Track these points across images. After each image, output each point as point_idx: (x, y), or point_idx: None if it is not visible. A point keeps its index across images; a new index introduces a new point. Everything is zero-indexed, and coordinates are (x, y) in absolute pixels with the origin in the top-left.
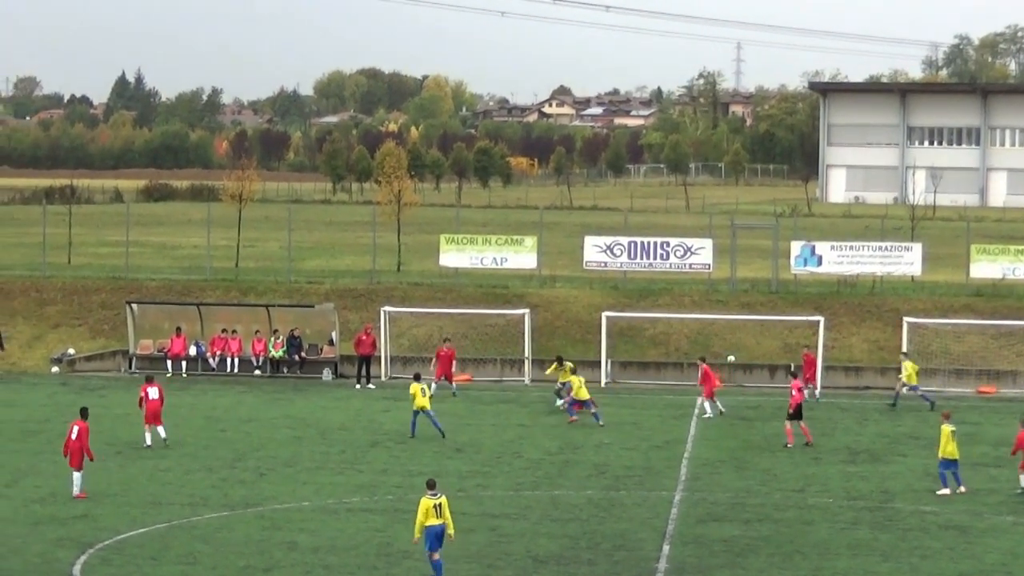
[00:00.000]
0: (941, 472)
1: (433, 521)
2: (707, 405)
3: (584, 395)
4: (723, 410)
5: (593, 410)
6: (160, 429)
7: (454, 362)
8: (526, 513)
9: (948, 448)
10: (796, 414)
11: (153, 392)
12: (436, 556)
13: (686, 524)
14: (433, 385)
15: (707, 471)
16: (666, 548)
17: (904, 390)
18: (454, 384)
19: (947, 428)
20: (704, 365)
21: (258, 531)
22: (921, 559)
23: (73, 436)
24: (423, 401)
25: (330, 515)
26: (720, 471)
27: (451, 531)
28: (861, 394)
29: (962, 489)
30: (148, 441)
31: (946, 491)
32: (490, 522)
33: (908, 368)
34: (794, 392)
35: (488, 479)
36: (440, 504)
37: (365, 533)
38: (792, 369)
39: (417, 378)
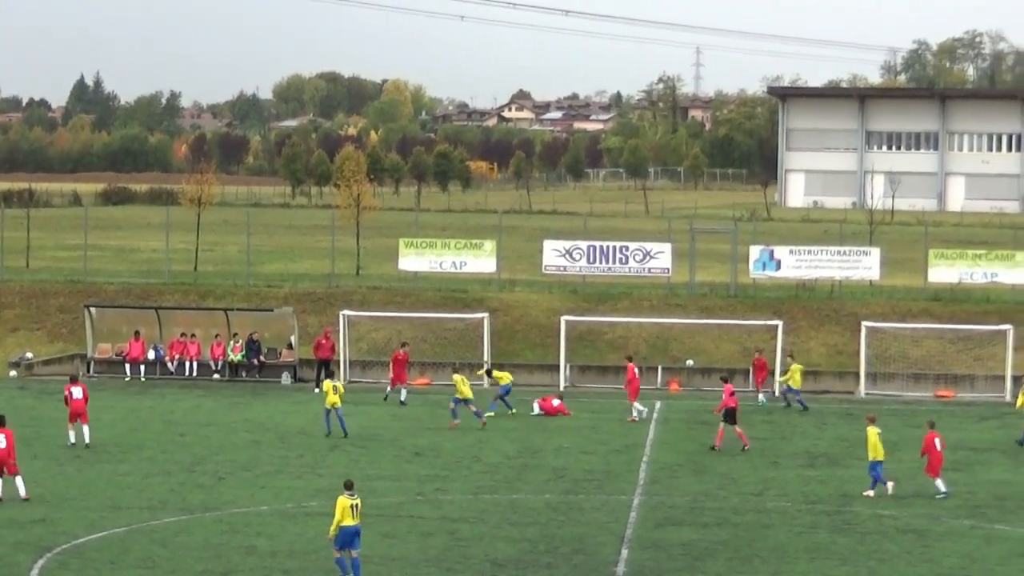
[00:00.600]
0: (873, 474)
1: (349, 521)
2: (634, 407)
3: (467, 394)
4: (643, 412)
5: (474, 408)
6: (85, 428)
7: (406, 366)
8: (485, 517)
9: (878, 450)
10: (729, 418)
11: (77, 391)
12: (355, 554)
13: (645, 528)
14: (403, 391)
15: (665, 475)
16: (625, 552)
17: (786, 392)
18: (404, 389)
19: (873, 430)
20: (631, 365)
21: (216, 535)
22: (879, 563)
23: (2, 444)
24: (334, 398)
25: (289, 519)
26: (678, 475)
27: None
28: (819, 398)
29: (890, 485)
30: (72, 439)
31: (871, 493)
32: (449, 526)
33: (793, 370)
34: (725, 396)
35: (447, 483)
36: (357, 505)
37: (324, 538)
38: (723, 375)
39: (331, 376)
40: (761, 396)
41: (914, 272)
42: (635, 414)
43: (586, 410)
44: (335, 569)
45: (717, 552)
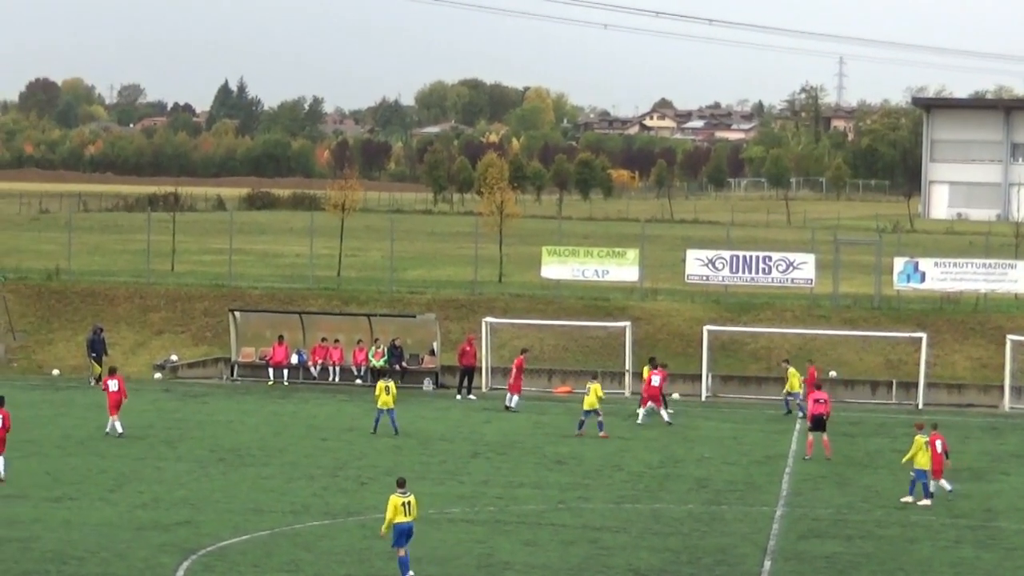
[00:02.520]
0: (923, 482)
1: (402, 519)
2: (641, 412)
3: (593, 403)
4: (668, 419)
5: (599, 418)
6: (117, 422)
7: (522, 372)
8: (627, 526)
9: (921, 459)
10: (818, 426)
11: (113, 384)
12: (402, 552)
13: (787, 540)
14: (516, 398)
15: (808, 487)
16: (767, 564)
17: (789, 397)
18: (515, 396)
19: (920, 439)
20: (657, 371)
21: (360, 540)
22: None
23: None
24: (387, 399)
25: (431, 525)
26: (821, 487)
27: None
28: (964, 411)
29: (926, 502)
30: (108, 429)
31: (909, 499)
32: (591, 535)
33: (792, 376)
34: (811, 404)
35: (589, 491)
36: (409, 503)
37: (466, 544)
38: (816, 381)
39: (383, 375)
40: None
41: None
42: (665, 416)
43: (728, 420)
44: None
45: (861, 565)
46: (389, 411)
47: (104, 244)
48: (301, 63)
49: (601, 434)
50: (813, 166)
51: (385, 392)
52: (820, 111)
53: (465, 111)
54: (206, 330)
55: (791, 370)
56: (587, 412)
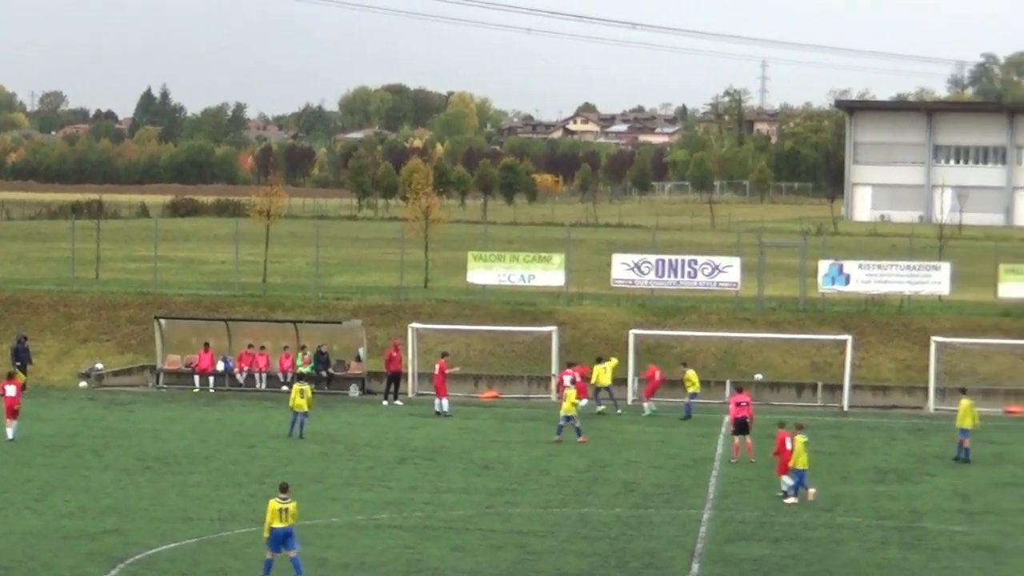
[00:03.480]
0: (796, 482)
1: (279, 524)
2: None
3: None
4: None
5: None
6: (9, 428)
7: (446, 376)
8: (555, 531)
9: (801, 459)
10: (741, 429)
11: (11, 389)
12: (292, 554)
13: (715, 543)
14: (445, 402)
15: (735, 489)
16: (695, 567)
17: (690, 400)
18: (440, 403)
19: (801, 439)
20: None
21: None
22: None
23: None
24: (300, 402)
25: (359, 531)
26: (748, 490)
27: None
28: (888, 413)
29: (812, 491)
30: (9, 435)
31: (794, 500)
32: (519, 539)
33: (692, 377)
34: (733, 407)
35: (517, 496)
36: (287, 509)
37: (394, 550)
38: (738, 384)
39: (301, 378)
40: (647, 405)
41: (984, 287)
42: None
43: (654, 424)
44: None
45: (788, 567)
46: (303, 415)
47: (27, 252)
48: (224, 69)
49: (580, 439)
50: (737, 169)
51: (300, 396)
52: (743, 114)
53: (389, 116)
54: (131, 338)
55: (690, 372)
56: (567, 418)
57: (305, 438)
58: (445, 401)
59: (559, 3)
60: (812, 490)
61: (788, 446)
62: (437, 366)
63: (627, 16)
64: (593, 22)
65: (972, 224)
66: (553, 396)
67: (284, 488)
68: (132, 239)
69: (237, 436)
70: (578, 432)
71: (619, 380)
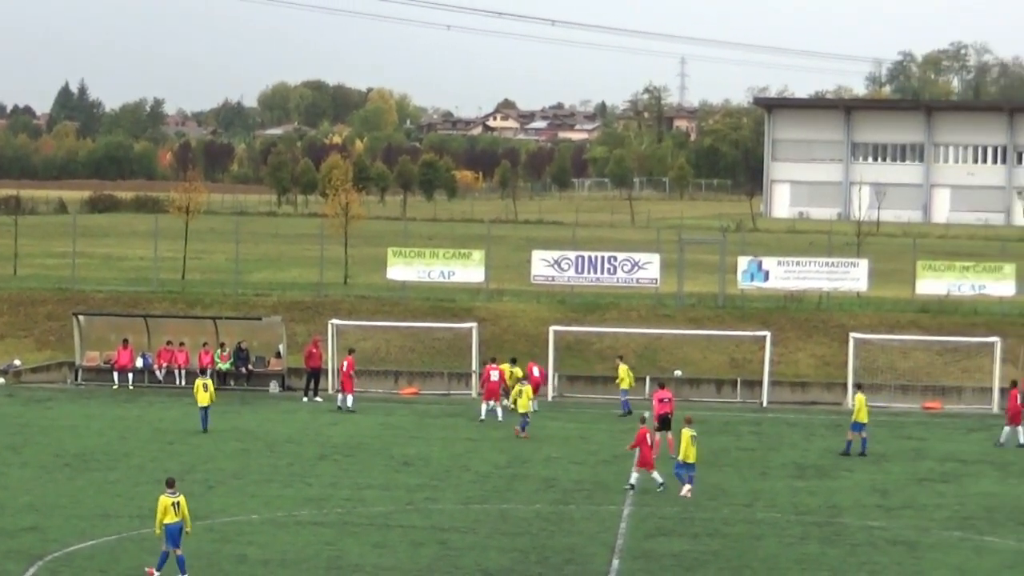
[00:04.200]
0: (677, 472)
1: (171, 519)
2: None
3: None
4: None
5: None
6: None
7: (352, 373)
8: (475, 527)
9: (689, 453)
10: (664, 424)
11: None
12: (178, 552)
13: (635, 538)
14: (350, 398)
15: (655, 485)
16: (615, 563)
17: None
18: (345, 398)
19: (688, 432)
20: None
21: (207, 544)
22: (869, 574)
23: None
24: (204, 397)
25: (279, 528)
26: (668, 485)
27: (188, 528)
28: (807, 409)
29: (687, 489)
30: None
31: (688, 489)
32: (439, 535)
33: (623, 372)
34: (656, 403)
35: (437, 492)
36: (178, 503)
37: (315, 546)
38: (659, 380)
39: (203, 373)
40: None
41: (902, 284)
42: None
43: (575, 420)
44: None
45: (708, 563)
46: (205, 408)
47: None
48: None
49: (523, 435)
50: (656, 166)
51: (203, 390)
52: (662, 111)
53: (308, 112)
54: (49, 334)
55: (623, 367)
56: (524, 415)
57: (209, 432)
58: (350, 397)
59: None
60: (688, 486)
61: (648, 441)
62: (345, 362)
63: (546, 13)
64: (512, 18)
65: (890, 221)
66: (475, 392)
67: (171, 483)
68: (50, 235)
69: (156, 433)
70: (522, 428)
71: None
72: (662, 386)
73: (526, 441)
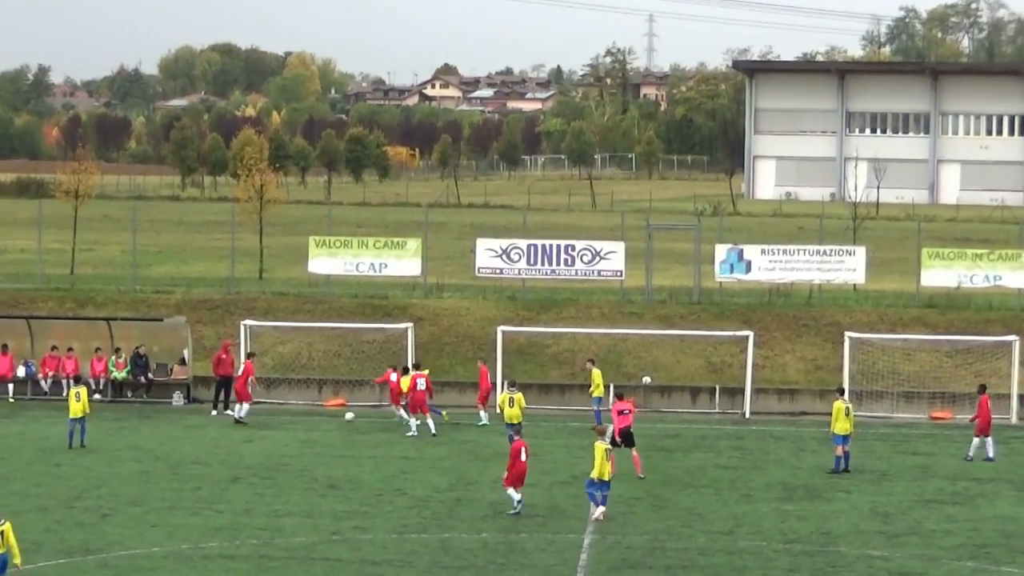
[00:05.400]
0: (590, 492)
1: None
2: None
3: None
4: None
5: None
6: None
7: (250, 380)
8: (412, 559)
9: (604, 470)
10: (628, 440)
11: None
12: None
13: (597, 572)
14: (245, 407)
15: (621, 510)
16: None
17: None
18: (240, 408)
19: (601, 446)
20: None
21: None
22: None
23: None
24: (77, 407)
25: (185, 563)
26: (636, 510)
27: (17, 560)
28: (796, 420)
29: (600, 511)
30: None
31: (602, 511)
32: (371, 570)
33: (596, 378)
34: (615, 416)
35: (367, 520)
36: (3, 531)
37: None
38: (620, 390)
39: (77, 381)
40: (482, 414)
41: (905, 275)
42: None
43: (527, 435)
44: None
45: None
46: (80, 420)
47: None
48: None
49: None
50: (620, 141)
51: (75, 399)
52: (628, 77)
53: (217, 81)
54: None
55: (595, 371)
56: (511, 426)
57: (87, 447)
58: (245, 406)
59: None
60: (602, 508)
61: (523, 457)
62: (242, 367)
63: None
64: None
65: (891, 202)
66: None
67: None
68: None
69: (41, 453)
70: (511, 439)
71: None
72: (621, 397)
73: (471, 460)
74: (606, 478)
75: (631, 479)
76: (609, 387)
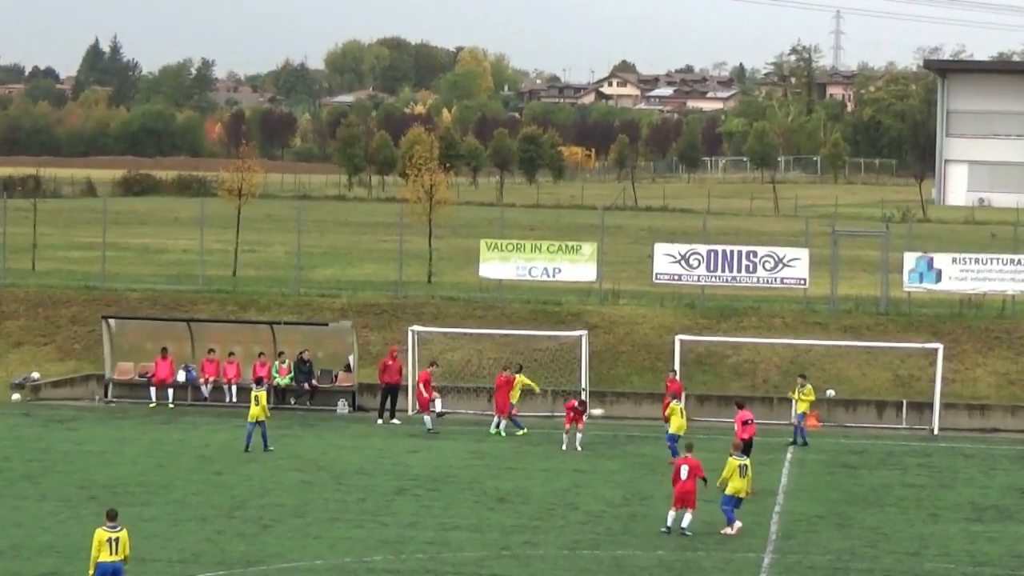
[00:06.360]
0: (725, 509)
1: (107, 558)
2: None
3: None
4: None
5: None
6: None
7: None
8: None
9: (740, 485)
10: (746, 450)
11: None
12: None
13: None
14: (430, 414)
15: (802, 528)
16: None
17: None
18: (429, 416)
19: (735, 461)
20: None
21: None
22: None
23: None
24: (256, 410)
25: None
26: (818, 528)
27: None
28: (988, 437)
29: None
30: None
31: (738, 527)
32: None
33: (809, 394)
34: (738, 426)
35: (538, 535)
36: (118, 539)
37: None
38: (739, 400)
39: (259, 383)
40: (427, 417)
41: None
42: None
43: (705, 449)
44: None
45: None
46: (260, 424)
47: None
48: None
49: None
50: (805, 142)
51: (254, 403)
52: (813, 76)
53: (385, 76)
54: (74, 341)
55: (808, 387)
56: (671, 437)
57: (272, 449)
58: (427, 417)
59: None
60: (738, 524)
61: (683, 476)
62: (420, 376)
63: None
64: None
65: None
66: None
67: (112, 515)
68: (75, 222)
69: (201, 461)
70: (673, 452)
71: (662, 396)
72: (742, 406)
73: (646, 474)
74: (742, 495)
75: (809, 496)
76: (791, 401)
